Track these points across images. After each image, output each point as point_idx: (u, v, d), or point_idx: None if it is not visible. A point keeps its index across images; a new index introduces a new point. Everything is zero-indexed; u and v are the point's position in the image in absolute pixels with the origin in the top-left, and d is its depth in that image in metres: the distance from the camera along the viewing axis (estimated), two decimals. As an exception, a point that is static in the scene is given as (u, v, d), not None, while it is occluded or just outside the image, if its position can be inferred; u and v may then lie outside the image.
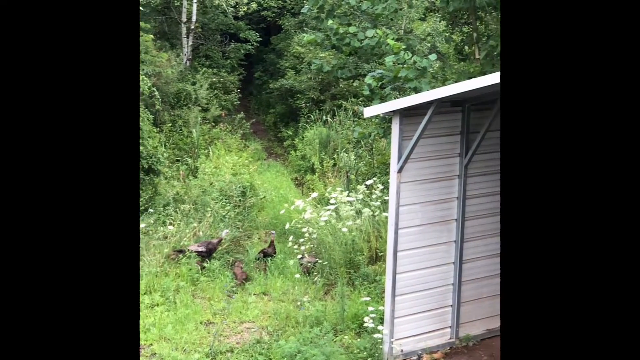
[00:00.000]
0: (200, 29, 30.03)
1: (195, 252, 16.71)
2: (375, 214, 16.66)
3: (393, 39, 15.82)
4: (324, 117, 26.76)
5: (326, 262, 16.15)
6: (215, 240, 17.23)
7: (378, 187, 17.21)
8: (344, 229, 16.31)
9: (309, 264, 16.38)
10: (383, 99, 14.98)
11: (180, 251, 16.76)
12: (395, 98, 14.08)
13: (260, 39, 32.07)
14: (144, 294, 15.10)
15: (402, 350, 12.37)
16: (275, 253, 17.25)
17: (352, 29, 16.17)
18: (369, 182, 17.78)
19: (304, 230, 17.22)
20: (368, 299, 13.94)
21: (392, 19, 18.32)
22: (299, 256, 16.65)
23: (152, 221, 17.90)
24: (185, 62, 29.06)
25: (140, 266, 15.71)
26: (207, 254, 16.81)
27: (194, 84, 27.59)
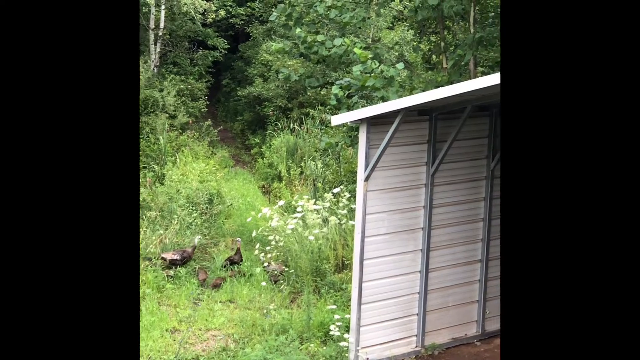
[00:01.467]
0: (168, 36, 29.93)
1: (170, 260, 16.67)
2: (342, 222, 16.67)
3: (360, 48, 15.85)
4: (292, 125, 26.77)
5: (292, 270, 16.14)
6: (189, 249, 17.19)
7: (345, 195, 17.23)
8: (311, 237, 16.31)
9: (276, 272, 16.37)
10: (350, 108, 15.01)
11: (150, 259, 16.70)
12: (362, 107, 14.10)
13: (229, 46, 32.01)
14: (109, 301, 15.01)
15: (368, 359, 12.38)
16: (241, 260, 17.23)
17: (320, 37, 16.19)
18: (335, 190, 17.79)
19: (271, 238, 17.20)
20: (334, 307, 13.94)
21: (360, 28, 18.35)
22: (266, 264, 16.63)
23: (118, 228, 17.81)
24: (153, 69, 28.96)
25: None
26: (181, 262, 16.78)
27: (161, 90, 27.49)
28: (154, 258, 16.71)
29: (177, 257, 16.81)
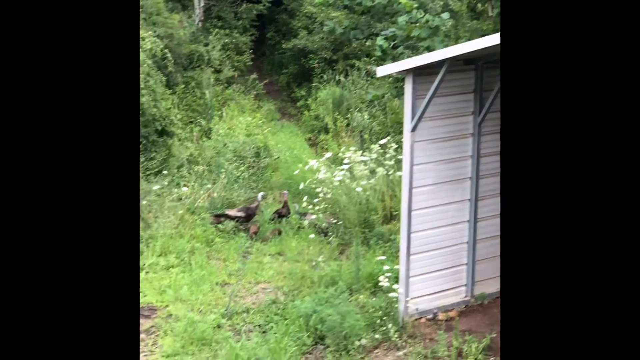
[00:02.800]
0: (212, -10, 29.92)
1: (235, 217, 16.77)
2: (389, 173, 16.64)
3: (405, -2, 15.72)
4: (337, 77, 26.67)
5: (341, 222, 16.16)
6: (253, 205, 17.26)
7: (392, 146, 17.17)
8: (358, 189, 16.30)
9: (324, 224, 16.41)
10: (396, 59, 14.92)
11: (220, 215, 16.82)
12: (408, 57, 14.01)
13: (273, -1, 31.92)
14: (159, 255, 15.16)
15: (417, 309, 12.40)
16: (289, 213, 17.29)
17: (364, -12, 16.07)
18: (382, 142, 17.73)
19: (318, 190, 17.22)
20: (383, 258, 13.94)
21: (404, -23, 18.21)
22: (314, 216, 16.67)
23: (166, 183, 17.93)
24: (197, 24, 28.95)
25: (155, 228, 15.77)
26: (246, 219, 16.88)
27: (206, 45, 27.50)
28: (203, 212, 16.83)
29: (241, 214, 16.91)
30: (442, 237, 12.81)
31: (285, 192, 17.94)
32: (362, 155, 17.50)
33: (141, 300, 13.53)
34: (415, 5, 15.22)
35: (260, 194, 17.74)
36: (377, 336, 11.63)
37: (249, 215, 16.96)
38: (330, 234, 16.07)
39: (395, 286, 12.32)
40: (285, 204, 17.41)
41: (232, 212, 16.96)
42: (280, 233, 16.66)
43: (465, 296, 13.23)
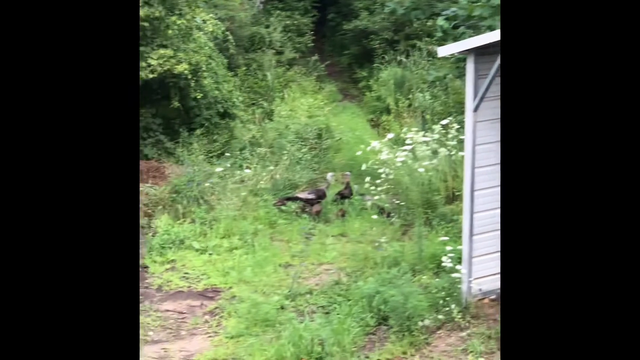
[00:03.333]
0: (273, -28, 29.95)
1: (306, 199, 16.84)
2: (452, 153, 16.56)
3: (467, -24, 15.62)
4: (399, 58, 26.57)
5: (403, 203, 16.14)
6: (323, 186, 17.31)
7: (454, 127, 17.07)
8: (421, 169, 16.25)
9: (387, 205, 16.40)
10: (457, 39, 14.84)
11: (290, 199, 16.91)
12: (469, 37, 13.92)
13: (333, -20, 31.87)
14: (222, 237, 15.27)
15: (480, 290, 12.35)
16: (352, 194, 17.30)
17: (425, -33, 16.00)
18: (444, 122, 17.64)
19: (381, 171, 17.19)
20: (446, 238, 13.89)
21: (466, -45, 18.07)
22: (376, 197, 16.66)
23: (228, 165, 18.05)
24: (259, 6, 29.02)
25: (218, 210, 15.88)
26: (317, 201, 16.94)
27: (267, 27, 27.58)
28: (266, 194, 16.91)
29: (312, 196, 16.97)
30: (505, 217, 12.72)
31: (348, 173, 17.94)
32: (424, 135, 17.43)
33: (205, 282, 13.67)
34: (477, -16, 15.12)
35: (330, 174, 17.78)
36: (440, 317, 11.61)
37: (319, 197, 17.00)
38: (392, 214, 16.06)
39: (458, 267, 12.28)
40: (348, 185, 17.42)
41: (302, 195, 17.03)
42: (343, 214, 16.69)
43: (529, 277, 13.15)
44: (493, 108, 12.22)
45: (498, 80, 11.79)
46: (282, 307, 12.43)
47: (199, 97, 19.25)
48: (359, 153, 19.19)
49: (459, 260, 12.45)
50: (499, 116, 12.30)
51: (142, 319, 12.17)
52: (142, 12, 17.37)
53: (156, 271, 14.10)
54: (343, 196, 17.30)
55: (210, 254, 14.73)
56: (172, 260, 14.55)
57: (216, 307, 12.76)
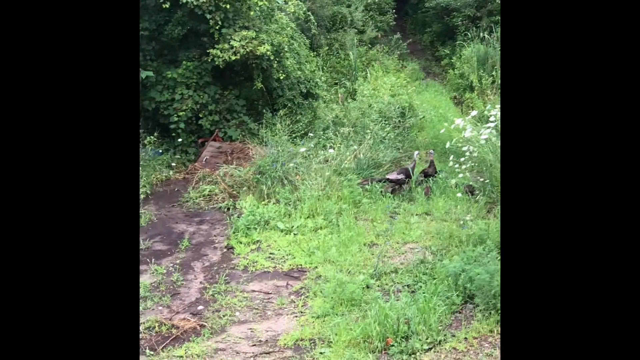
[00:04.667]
0: (352, -49, 29.84)
1: (396, 180, 16.86)
2: (536, 130, 16.36)
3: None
4: (481, 34, 26.37)
5: (488, 181, 16.01)
6: (411, 165, 17.30)
7: (538, 103, 16.87)
8: (505, 146, 16.07)
9: (471, 183, 16.30)
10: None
11: (381, 180, 16.96)
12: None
13: (414, -42, 31.70)
14: (307, 217, 15.32)
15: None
16: (436, 172, 17.23)
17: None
18: (528, 98, 17.43)
19: (464, 149, 17.09)
20: (531, 216, 13.74)
21: None
22: (460, 175, 16.57)
23: (312, 145, 18.09)
24: (340, -15, 28.99)
25: (302, 190, 15.94)
26: (406, 181, 16.97)
27: (349, 6, 27.56)
28: (350, 174, 16.91)
29: (402, 176, 16.97)
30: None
31: (432, 151, 17.87)
32: (508, 112, 17.24)
33: (290, 262, 13.73)
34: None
35: (416, 152, 17.74)
36: (527, 295, 11.50)
37: (408, 176, 16.98)
38: (477, 192, 15.95)
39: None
40: (432, 164, 17.36)
41: (392, 176, 17.03)
42: (427, 193, 16.64)
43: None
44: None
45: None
46: (367, 287, 12.43)
47: (281, 77, 19.33)
48: (442, 131, 19.12)
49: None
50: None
51: (228, 299, 12.30)
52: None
53: (242, 252, 14.20)
54: (427, 174, 17.24)
55: (295, 234, 14.79)
56: (258, 241, 14.64)
57: (302, 287, 12.81)
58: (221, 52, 18.30)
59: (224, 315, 11.82)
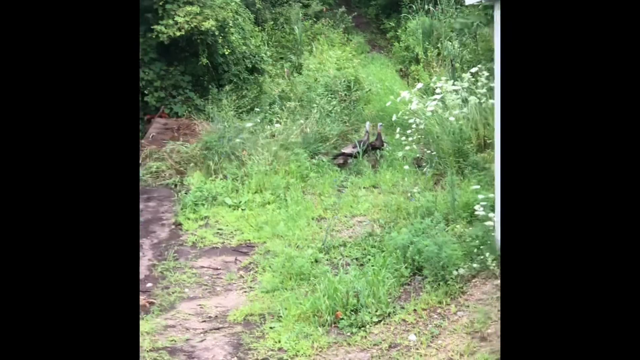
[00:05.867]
0: None
1: (351, 154, 16.89)
2: (482, 101, 16.47)
3: None
4: (426, 7, 26.40)
5: (434, 152, 16.09)
6: (364, 138, 17.31)
7: (483, 74, 16.97)
8: (451, 118, 16.17)
9: (418, 155, 16.37)
10: (484, -15, 14.67)
11: (337, 156, 17.00)
12: (497, -18, 13.76)
13: None
14: (255, 192, 15.31)
15: (514, 237, 12.29)
16: (383, 145, 17.27)
17: None
18: (474, 70, 17.53)
19: (411, 121, 17.15)
20: (478, 187, 13.85)
21: None
22: (407, 148, 16.63)
23: (258, 120, 18.06)
24: (284, -41, 28.86)
25: (249, 165, 15.91)
26: (354, 154, 17.01)
27: (294, -20, 27.45)
28: (297, 148, 16.91)
29: (357, 149, 17.00)
30: (538, 163, 12.63)
31: (380, 124, 17.89)
32: (453, 84, 17.33)
33: (239, 237, 13.73)
34: None
35: (367, 124, 17.79)
36: (474, 265, 11.59)
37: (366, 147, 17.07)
38: (424, 164, 16.02)
39: (491, 215, 12.24)
40: (379, 136, 17.39)
41: (348, 150, 17.07)
42: (375, 166, 16.68)
43: (563, 223, 13.07)
44: (522, 54, 12.10)
45: (527, 25, 11.68)
46: (316, 261, 12.46)
47: (226, 53, 19.24)
48: (388, 104, 19.15)
49: (491, 209, 12.41)
50: (528, 62, 12.21)
51: (177, 276, 12.28)
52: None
53: (190, 228, 14.17)
54: (374, 147, 17.28)
55: (243, 210, 14.78)
56: (206, 217, 14.61)
57: (250, 262, 12.82)
58: (165, 28, 18.17)
59: (173, 292, 11.80)
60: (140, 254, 13.03)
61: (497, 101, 11.96)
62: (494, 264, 11.56)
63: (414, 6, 27.04)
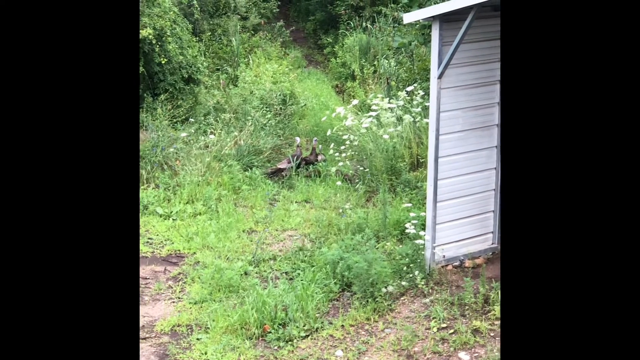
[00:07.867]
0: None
1: (286, 168, 16.87)
2: (416, 120, 16.59)
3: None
4: (364, 24, 26.52)
5: (367, 169, 16.16)
6: (297, 152, 17.29)
7: (419, 93, 17.11)
8: (385, 136, 16.27)
9: (351, 172, 16.43)
10: (422, 5, 14.83)
11: (273, 172, 16.95)
12: (435, 4, 13.91)
13: (298, -55, 31.68)
14: (186, 203, 15.24)
15: (444, 256, 12.41)
16: (317, 160, 17.30)
17: None
18: (409, 89, 17.67)
19: (345, 137, 17.22)
20: (409, 205, 13.95)
21: None
22: (340, 163, 16.68)
23: (192, 130, 18.00)
24: (224, -30, 28.81)
25: (182, 175, 15.84)
26: (296, 167, 17.01)
27: (232, -8, 27.39)
28: (230, 160, 16.87)
29: (292, 164, 16.98)
30: (469, 184, 12.78)
31: (315, 139, 17.93)
32: (389, 102, 17.45)
33: (169, 247, 13.65)
34: (443, -49, 15.07)
35: (297, 138, 17.81)
36: (403, 283, 11.67)
37: (299, 164, 17.06)
38: (357, 181, 16.09)
39: (422, 233, 12.33)
40: (314, 151, 17.42)
41: (282, 165, 17.06)
42: (308, 179, 16.71)
43: (492, 243, 13.23)
44: (458, 75, 12.23)
45: (462, 47, 11.81)
46: (245, 273, 12.45)
47: (163, 62, 19.14)
48: (323, 119, 19.22)
49: (422, 227, 12.51)
50: (463, 83, 12.35)
51: (105, 284, 12.17)
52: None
53: (119, 237, 14.04)
54: (307, 162, 17.30)
55: (174, 220, 14.71)
56: (136, 226, 14.48)
57: (180, 273, 12.76)
58: (102, 35, 18.03)
59: (100, 301, 11.68)
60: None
61: (431, 120, 12.06)
62: (422, 283, 11.65)
63: (351, 23, 27.16)
